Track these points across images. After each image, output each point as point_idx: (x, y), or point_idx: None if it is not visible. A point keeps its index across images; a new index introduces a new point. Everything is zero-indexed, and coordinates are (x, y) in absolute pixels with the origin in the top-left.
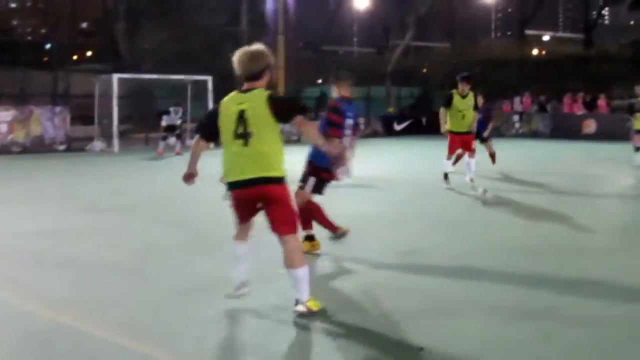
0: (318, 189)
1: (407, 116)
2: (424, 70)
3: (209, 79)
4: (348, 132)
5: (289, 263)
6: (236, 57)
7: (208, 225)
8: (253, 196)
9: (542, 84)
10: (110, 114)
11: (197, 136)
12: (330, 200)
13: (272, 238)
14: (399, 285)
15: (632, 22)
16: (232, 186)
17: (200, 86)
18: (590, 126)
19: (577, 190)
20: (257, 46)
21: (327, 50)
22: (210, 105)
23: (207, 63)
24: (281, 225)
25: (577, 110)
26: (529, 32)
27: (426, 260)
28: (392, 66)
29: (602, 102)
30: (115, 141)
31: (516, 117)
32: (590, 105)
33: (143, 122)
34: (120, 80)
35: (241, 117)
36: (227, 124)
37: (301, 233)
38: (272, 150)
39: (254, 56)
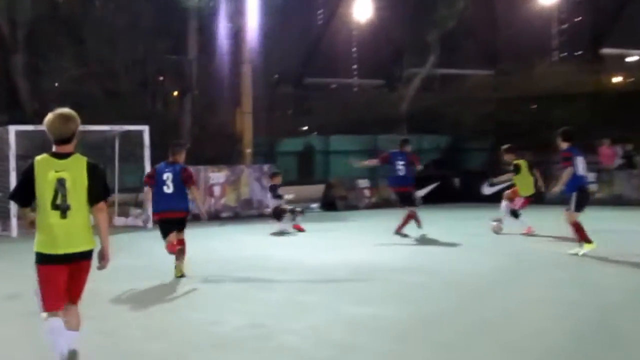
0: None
1: (431, 176)
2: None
3: (145, 129)
4: None
5: (77, 326)
6: (47, 119)
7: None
8: (67, 270)
9: (627, 126)
10: (7, 185)
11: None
12: (318, 302)
13: None
14: None
15: None
16: (46, 259)
17: (133, 139)
18: None
19: None
20: (68, 109)
21: (312, 83)
22: (148, 167)
23: (142, 108)
24: (79, 295)
25: None
26: (606, 51)
27: None
28: (409, 105)
29: None
30: (13, 221)
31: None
32: None
33: None
34: (19, 134)
35: (61, 186)
36: (44, 191)
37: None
38: (88, 221)
39: (67, 119)
